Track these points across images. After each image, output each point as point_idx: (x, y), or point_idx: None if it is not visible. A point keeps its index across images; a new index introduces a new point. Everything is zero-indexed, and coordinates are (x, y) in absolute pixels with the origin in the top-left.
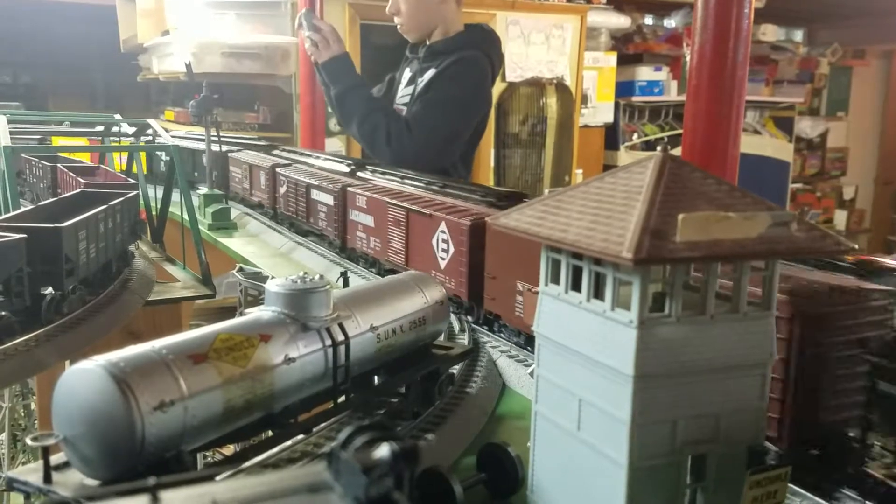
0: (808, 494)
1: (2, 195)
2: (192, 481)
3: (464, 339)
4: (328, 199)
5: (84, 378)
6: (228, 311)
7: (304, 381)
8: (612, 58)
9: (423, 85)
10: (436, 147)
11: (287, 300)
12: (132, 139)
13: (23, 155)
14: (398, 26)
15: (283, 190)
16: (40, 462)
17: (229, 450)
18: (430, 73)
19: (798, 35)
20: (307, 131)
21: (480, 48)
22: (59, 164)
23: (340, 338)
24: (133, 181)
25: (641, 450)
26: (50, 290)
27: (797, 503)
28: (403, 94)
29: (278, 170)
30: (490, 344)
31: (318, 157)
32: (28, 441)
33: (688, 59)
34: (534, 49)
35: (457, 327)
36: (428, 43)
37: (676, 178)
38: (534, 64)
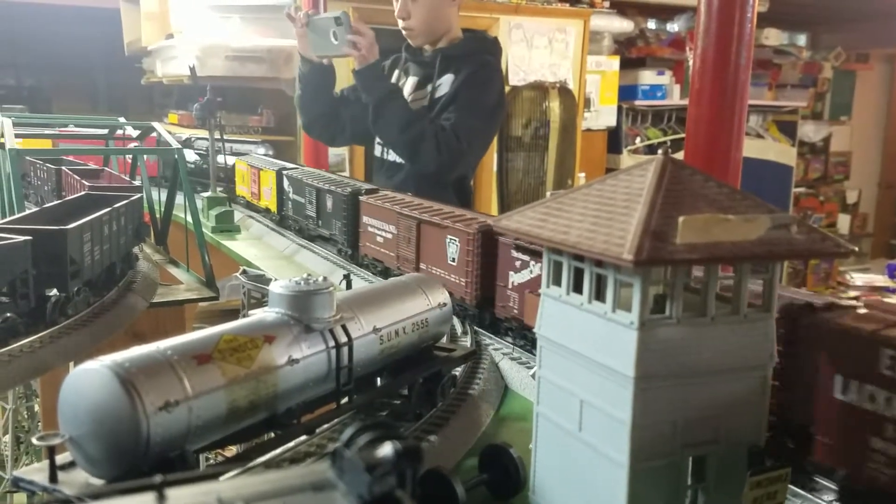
0: (808, 495)
1: (7, 197)
2: (198, 479)
3: (466, 342)
4: None
5: (90, 378)
6: (232, 314)
7: (307, 383)
8: (615, 62)
9: (445, 90)
10: (476, 154)
11: (291, 302)
12: (136, 142)
13: (28, 158)
14: (405, 31)
15: (519, 278)
16: (46, 461)
17: (231, 452)
18: (447, 77)
19: (801, 39)
20: None
21: (493, 54)
22: (63, 167)
23: (343, 339)
24: (137, 184)
25: (642, 451)
26: (55, 291)
27: None
28: (415, 97)
29: (506, 240)
30: (492, 346)
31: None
32: (34, 441)
33: (690, 63)
34: (537, 53)
35: (459, 329)
36: (434, 48)
37: (677, 180)
38: (537, 68)
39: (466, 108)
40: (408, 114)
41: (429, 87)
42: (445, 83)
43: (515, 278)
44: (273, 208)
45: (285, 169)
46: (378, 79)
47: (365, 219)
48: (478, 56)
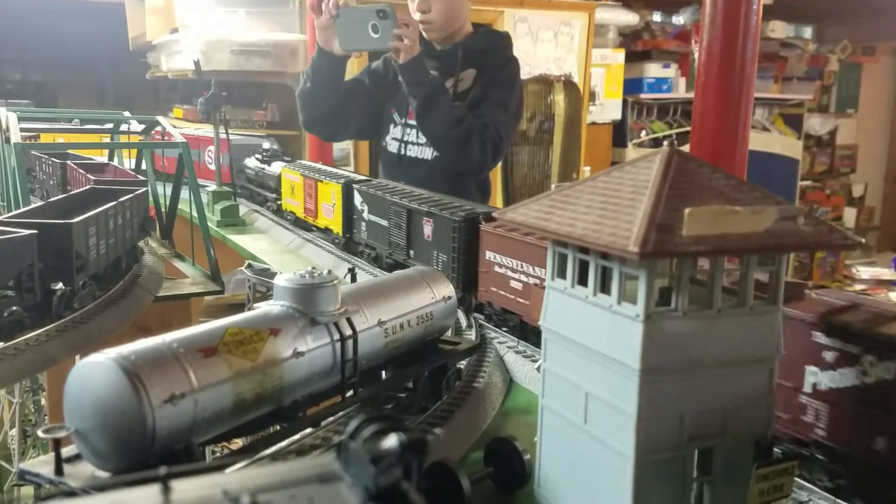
0: (815, 489)
1: (12, 192)
2: (203, 471)
3: (471, 335)
4: None
5: (95, 371)
6: (237, 309)
7: (312, 375)
8: (621, 55)
9: (467, 85)
10: (507, 150)
11: (295, 295)
12: (141, 136)
13: (33, 152)
14: (423, 24)
15: (828, 380)
16: (52, 454)
17: (237, 445)
18: (470, 72)
19: (807, 32)
20: None
21: (511, 50)
22: (68, 161)
23: (348, 332)
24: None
25: (648, 443)
26: (60, 285)
27: (804, 497)
28: None
29: (801, 314)
30: (497, 339)
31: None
32: (40, 433)
33: (696, 55)
34: (542, 46)
35: (464, 323)
36: (445, 42)
37: (683, 172)
38: (542, 61)
39: (500, 106)
40: (457, 110)
41: (450, 82)
42: (468, 78)
43: (820, 379)
44: (337, 230)
45: (356, 182)
46: (425, 72)
47: (489, 255)
48: (500, 52)
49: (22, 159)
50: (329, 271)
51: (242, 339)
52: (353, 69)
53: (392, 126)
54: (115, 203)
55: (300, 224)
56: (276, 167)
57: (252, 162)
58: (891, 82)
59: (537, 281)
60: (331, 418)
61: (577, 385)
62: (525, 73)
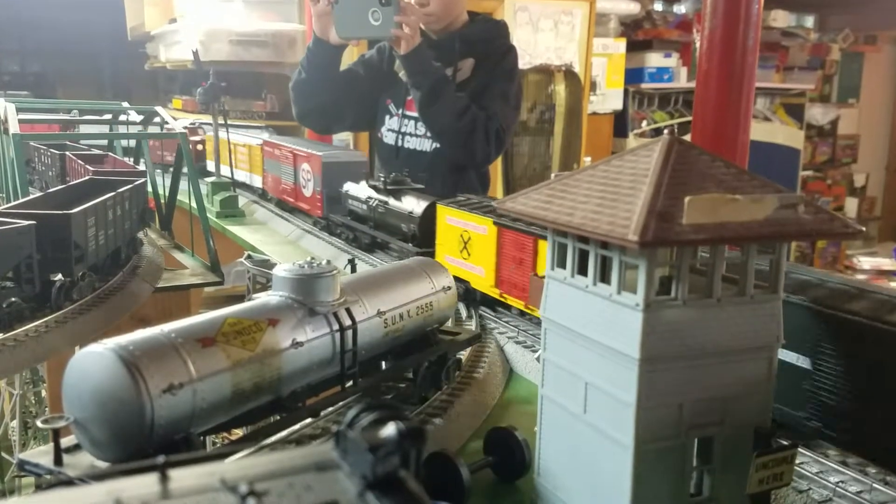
0: (815, 477)
1: (11, 183)
2: (201, 460)
3: (471, 325)
4: None
5: (94, 361)
6: (237, 300)
7: (311, 366)
8: (622, 44)
9: (466, 75)
10: (509, 142)
11: (294, 285)
12: (140, 127)
13: (32, 143)
14: (424, 16)
15: None
16: (51, 445)
17: (237, 435)
18: (469, 62)
19: (809, 21)
20: None
21: (508, 38)
22: (67, 152)
23: (348, 322)
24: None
25: (648, 432)
26: (59, 276)
27: (804, 485)
28: None
29: None
30: (497, 330)
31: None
32: (39, 423)
33: (698, 45)
34: (542, 36)
35: (464, 313)
36: (440, 32)
37: (683, 160)
38: (542, 51)
39: (502, 97)
40: (461, 101)
41: (448, 72)
42: (466, 67)
43: None
44: None
45: None
46: (429, 63)
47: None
48: (498, 41)
49: (21, 150)
50: (328, 261)
51: (241, 329)
52: (351, 57)
53: (388, 117)
54: (113, 194)
55: (488, 302)
56: (415, 204)
57: (362, 191)
58: (893, 72)
59: None
60: (330, 408)
61: (576, 375)
62: (525, 62)
